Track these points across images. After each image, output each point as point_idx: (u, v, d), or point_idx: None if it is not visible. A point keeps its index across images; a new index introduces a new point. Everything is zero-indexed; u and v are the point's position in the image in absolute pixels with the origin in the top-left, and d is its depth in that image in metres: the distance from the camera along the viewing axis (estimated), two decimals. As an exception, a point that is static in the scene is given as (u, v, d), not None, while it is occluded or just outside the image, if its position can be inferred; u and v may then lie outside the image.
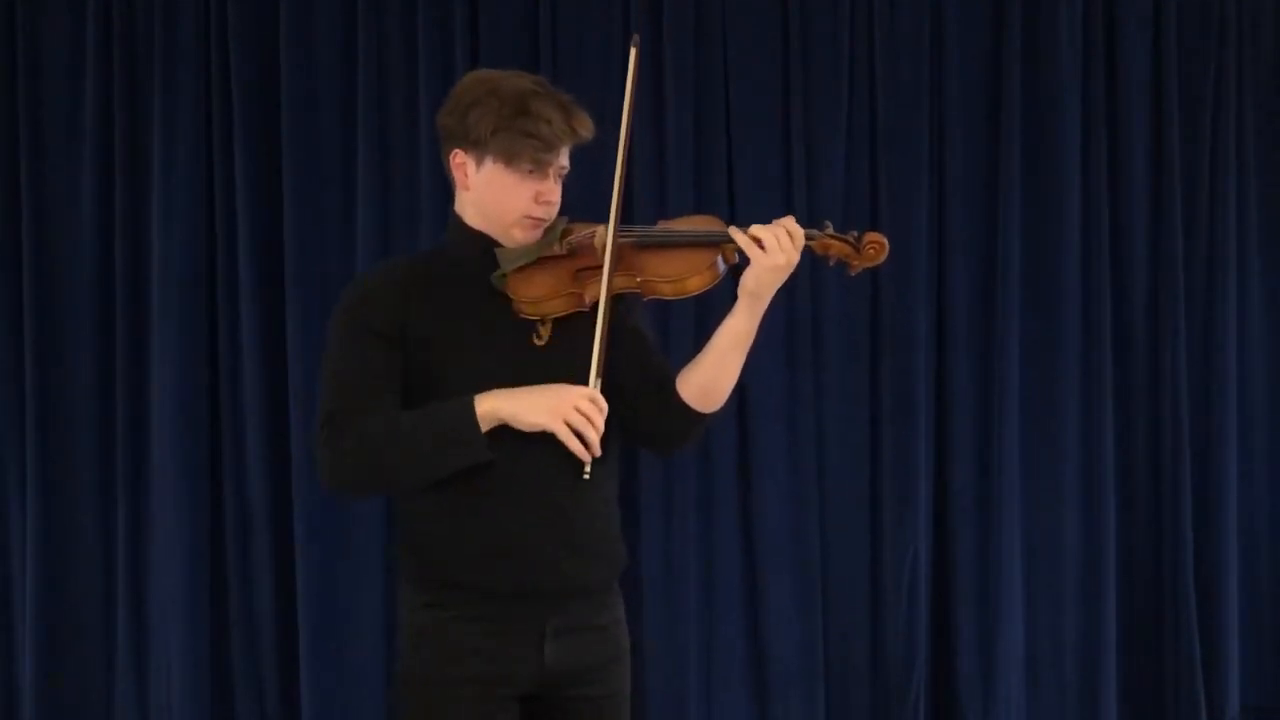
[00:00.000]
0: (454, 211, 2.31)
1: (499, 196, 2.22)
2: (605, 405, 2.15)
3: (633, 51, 2.28)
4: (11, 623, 3.94)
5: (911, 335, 3.89)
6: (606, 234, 2.20)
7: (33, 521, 3.85)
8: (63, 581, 3.88)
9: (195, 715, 3.83)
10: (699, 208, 3.84)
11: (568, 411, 2.12)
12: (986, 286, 3.93)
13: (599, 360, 2.17)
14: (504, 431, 2.17)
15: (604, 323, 2.17)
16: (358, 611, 3.82)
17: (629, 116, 2.27)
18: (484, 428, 2.14)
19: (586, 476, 2.14)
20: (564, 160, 2.24)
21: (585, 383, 2.16)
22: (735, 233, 2.18)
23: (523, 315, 2.22)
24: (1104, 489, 3.95)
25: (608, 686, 2.32)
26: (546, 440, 2.17)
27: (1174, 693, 3.97)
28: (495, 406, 2.14)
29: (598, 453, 2.13)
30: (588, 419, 2.12)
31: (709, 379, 2.24)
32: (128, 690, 3.87)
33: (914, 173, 3.90)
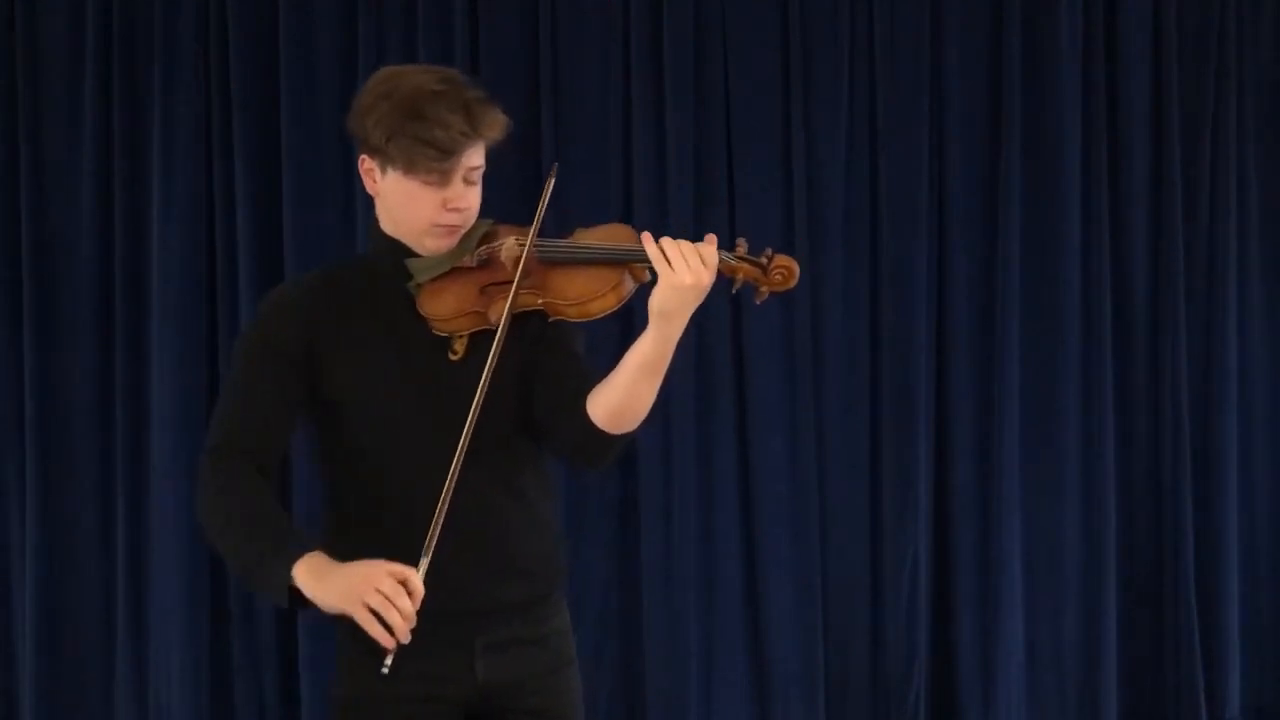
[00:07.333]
0: (374, 217, 2.21)
1: (405, 205, 2.09)
2: (418, 587, 1.89)
3: (550, 181, 2.13)
4: (11, 623, 3.94)
5: (911, 336, 3.89)
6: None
7: (33, 521, 3.85)
8: (63, 581, 3.87)
9: (195, 714, 3.83)
10: (699, 208, 3.84)
11: (367, 593, 1.86)
12: (986, 287, 3.93)
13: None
14: (429, 453, 2.05)
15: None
16: (357, 611, 3.81)
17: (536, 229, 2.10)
18: (294, 584, 1.92)
19: (385, 670, 1.89)
20: (475, 161, 2.07)
21: (491, 396, 2.02)
22: (646, 241, 1.99)
23: (434, 332, 2.11)
24: (1104, 489, 3.95)
25: (551, 698, 2.23)
26: (467, 462, 2.01)
27: (1174, 692, 3.97)
28: (305, 581, 1.91)
29: (405, 639, 1.88)
30: (390, 601, 1.86)
31: (619, 403, 2.05)
32: (128, 690, 3.87)
33: (914, 173, 3.90)
